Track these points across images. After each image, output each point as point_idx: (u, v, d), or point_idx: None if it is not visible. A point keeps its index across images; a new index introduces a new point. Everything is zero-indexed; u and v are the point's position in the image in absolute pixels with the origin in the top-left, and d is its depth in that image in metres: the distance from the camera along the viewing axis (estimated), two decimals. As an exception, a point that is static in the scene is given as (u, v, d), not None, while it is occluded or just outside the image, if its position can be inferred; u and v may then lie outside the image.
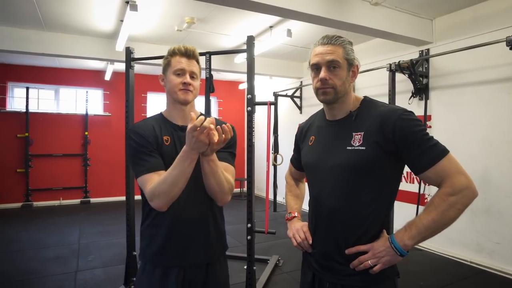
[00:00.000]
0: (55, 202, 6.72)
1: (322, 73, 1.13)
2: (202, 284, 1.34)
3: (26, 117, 6.41)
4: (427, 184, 1.04)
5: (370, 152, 1.08)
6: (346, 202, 1.13)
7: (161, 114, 1.42)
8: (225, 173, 1.29)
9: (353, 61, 1.16)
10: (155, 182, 1.19)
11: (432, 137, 1.06)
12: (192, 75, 1.35)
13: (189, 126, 1.08)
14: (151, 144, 1.28)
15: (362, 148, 1.09)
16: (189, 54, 1.34)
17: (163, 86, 1.39)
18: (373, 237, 1.11)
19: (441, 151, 1.03)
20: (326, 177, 1.17)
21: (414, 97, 4.13)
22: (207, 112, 2.96)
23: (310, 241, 1.22)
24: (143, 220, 1.38)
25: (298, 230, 1.27)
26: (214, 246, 1.39)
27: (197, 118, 1.08)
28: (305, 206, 1.33)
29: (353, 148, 1.11)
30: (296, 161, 1.44)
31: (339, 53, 1.14)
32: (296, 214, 1.37)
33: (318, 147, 1.24)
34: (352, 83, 1.19)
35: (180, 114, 1.38)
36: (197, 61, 1.38)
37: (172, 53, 1.35)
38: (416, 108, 4.16)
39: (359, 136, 1.11)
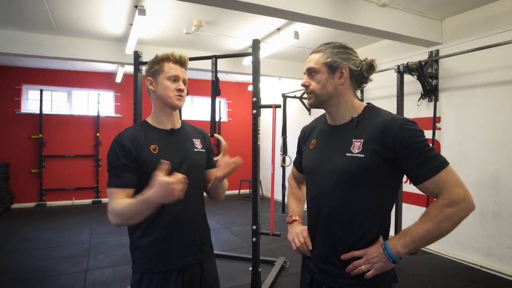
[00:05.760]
0: (68, 202, 6.86)
1: (302, 80, 1.23)
2: (199, 281, 1.39)
3: (40, 119, 6.57)
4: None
5: (369, 160, 1.08)
6: (344, 208, 1.13)
7: (145, 122, 1.43)
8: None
9: (335, 63, 1.16)
10: (119, 202, 1.22)
11: (432, 148, 1.05)
12: (184, 82, 1.40)
13: (168, 179, 1.09)
14: (131, 158, 1.29)
15: (361, 155, 1.09)
16: (183, 63, 1.40)
17: (151, 90, 1.40)
18: (370, 243, 1.11)
19: (441, 163, 1.02)
20: (324, 181, 1.17)
21: (423, 98, 4.08)
22: (213, 114, 2.99)
23: (310, 247, 1.23)
24: (133, 231, 1.35)
25: (298, 234, 1.28)
26: (206, 243, 1.47)
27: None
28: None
29: (352, 155, 1.11)
30: (298, 163, 1.45)
31: (316, 59, 1.19)
32: (297, 218, 1.37)
33: (318, 151, 1.25)
34: (341, 85, 1.17)
35: (170, 118, 1.42)
36: (186, 69, 1.44)
37: (166, 59, 1.37)
38: (425, 109, 4.12)
39: (359, 143, 1.11)
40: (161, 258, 1.32)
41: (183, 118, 1.61)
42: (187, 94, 1.70)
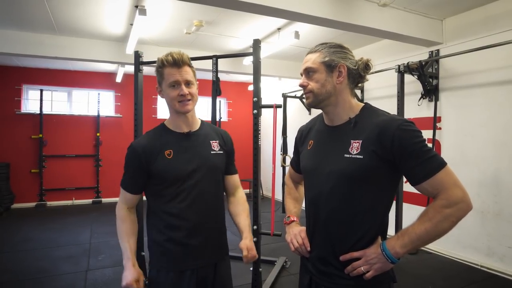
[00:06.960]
0: (68, 202, 6.86)
1: (300, 80, 1.22)
2: (212, 283, 1.39)
3: (40, 119, 6.56)
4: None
5: (368, 161, 1.08)
6: (342, 209, 1.13)
7: (163, 124, 1.43)
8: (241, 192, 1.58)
9: (333, 62, 1.16)
10: (122, 216, 1.41)
11: (430, 149, 1.05)
12: (187, 83, 1.33)
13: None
14: (140, 166, 1.36)
15: (360, 156, 1.09)
16: (178, 63, 1.31)
17: (162, 97, 1.39)
18: (369, 243, 1.11)
19: (439, 164, 1.02)
20: (323, 183, 1.17)
21: (423, 98, 4.08)
22: (214, 114, 2.99)
23: (308, 248, 1.23)
24: (152, 230, 1.40)
25: (296, 235, 1.27)
26: (223, 246, 1.47)
27: None
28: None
29: (350, 156, 1.11)
30: (295, 163, 1.44)
31: (313, 59, 1.18)
32: (294, 218, 1.37)
33: (316, 152, 1.25)
34: (340, 84, 1.17)
35: (185, 121, 1.40)
36: (189, 65, 1.35)
37: (162, 65, 1.32)
38: (426, 109, 4.12)
39: (357, 144, 1.11)
40: (177, 260, 1.34)
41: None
42: None
